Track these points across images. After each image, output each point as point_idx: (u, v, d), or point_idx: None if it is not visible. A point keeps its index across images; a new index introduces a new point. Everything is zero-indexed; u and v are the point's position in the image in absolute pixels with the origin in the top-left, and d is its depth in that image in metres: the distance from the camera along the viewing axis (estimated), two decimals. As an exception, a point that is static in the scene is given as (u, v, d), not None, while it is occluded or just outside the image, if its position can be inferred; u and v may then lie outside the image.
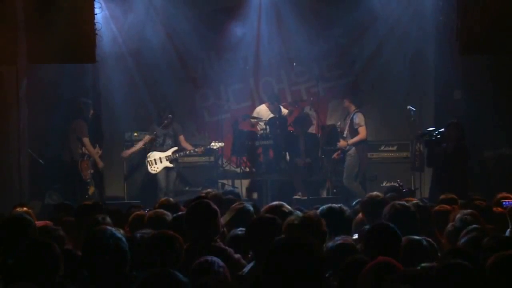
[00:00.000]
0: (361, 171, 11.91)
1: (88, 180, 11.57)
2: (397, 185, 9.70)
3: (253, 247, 4.69)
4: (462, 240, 4.76)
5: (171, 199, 7.24)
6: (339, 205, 5.41)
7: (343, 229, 5.07)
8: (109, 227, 4.28)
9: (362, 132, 11.80)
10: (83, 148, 11.52)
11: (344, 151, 11.86)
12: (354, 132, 11.81)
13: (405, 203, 5.45)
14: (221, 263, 4.03)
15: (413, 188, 10.71)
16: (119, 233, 4.08)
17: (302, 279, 3.06)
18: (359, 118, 11.82)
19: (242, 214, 5.59)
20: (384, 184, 12.33)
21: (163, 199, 7.17)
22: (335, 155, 12.07)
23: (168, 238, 4.38)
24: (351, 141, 11.79)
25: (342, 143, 11.88)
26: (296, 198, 11.53)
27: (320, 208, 5.47)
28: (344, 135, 11.95)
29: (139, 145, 12.18)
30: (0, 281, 4.15)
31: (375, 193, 6.29)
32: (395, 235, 4.48)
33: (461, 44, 9.70)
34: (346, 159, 11.78)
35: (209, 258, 4.06)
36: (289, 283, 3.04)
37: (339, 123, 12.54)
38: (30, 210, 6.52)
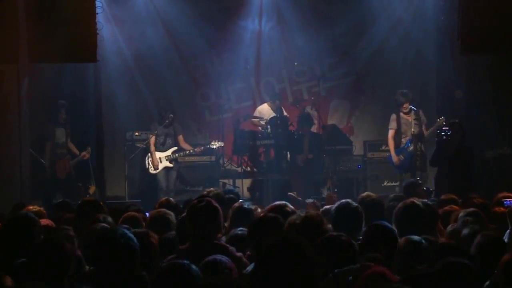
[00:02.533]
0: None
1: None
2: (417, 182, 9.65)
3: (255, 246, 4.69)
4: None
5: (171, 199, 7.22)
6: (355, 204, 5.38)
7: (356, 225, 5.07)
8: (121, 227, 4.28)
9: None
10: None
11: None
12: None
13: (421, 202, 5.44)
14: (229, 264, 4.03)
15: (430, 189, 10.65)
16: (131, 233, 4.09)
17: (292, 280, 3.05)
18: None
19: (242, 214, 5.61)
20: (385, 183, 12.36)
21: (163, 199, 7.15)
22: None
23: (139, 237, 4.38)
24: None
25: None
26: (290, 195, 11.47)
27: (339, 202, 5.41)
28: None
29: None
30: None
31: (366, 193, 6.29)
32: (392, 235, 4.49)
33: (462, 43, 9.70)
34: None
35: (218, 257, 4.06)
36: (280, 284, 3.04)
37: (413, 130, 11.42)
38: (43, 210, 6.51)
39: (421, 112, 11.49)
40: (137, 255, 3.98)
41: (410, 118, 11.50)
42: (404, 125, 11.54)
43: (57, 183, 11.62)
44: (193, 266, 3.60)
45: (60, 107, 11.63)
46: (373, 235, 4.50)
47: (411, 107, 11.61)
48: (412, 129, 11.30)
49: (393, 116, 11.62)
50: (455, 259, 3.54)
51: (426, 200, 6.27)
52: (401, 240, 4.43)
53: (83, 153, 11.82)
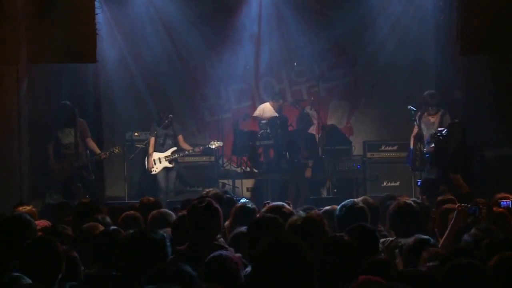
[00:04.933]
0: None
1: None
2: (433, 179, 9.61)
3: (254, 247, 4.68)
4: (465, 239, 4.78)
5: (151, 198, 7.24)
6: (361, 204, 5.39)
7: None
8: (161, 232, 4.31)
9: None
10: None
11: None
12: None
13: (413, 202, 5.46)
14: (236, 259, 4.05)
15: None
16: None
17: (289, 280, 3.05)
18: None
19: (245, 213, 5.61)
20: (384, 184, 12.35)
21: (144, 198, 7.18)
22: None
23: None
24: None
25: None
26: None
27: (344, 202, 5.42)
28: None
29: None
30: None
31: (363, 197, 6.30)
32: (373, 236, 4.52)
33: (462, 44, 9.69)
34: None
35: (224, 253, 4.08)
36: (277, 285, 3.03)
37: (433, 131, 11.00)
38: (33, 209, 6.50)
39: (447, 116, 11.42)
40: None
41: (434, 119, 11.50)
42: (423, 125, 11.51)
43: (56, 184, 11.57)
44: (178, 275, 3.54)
45: (63, 107, 11.46)
46: (353, 236, 4.49)
47: (410, 107, 11.62)
48: (433, 131, 11.10)
49: (417, 115, 11.55)
50: (465, 260, 3.53)
51: (417, 199, 6.31)
52: (411, 239, 4.44)
53: (102, 153, 11.54)
